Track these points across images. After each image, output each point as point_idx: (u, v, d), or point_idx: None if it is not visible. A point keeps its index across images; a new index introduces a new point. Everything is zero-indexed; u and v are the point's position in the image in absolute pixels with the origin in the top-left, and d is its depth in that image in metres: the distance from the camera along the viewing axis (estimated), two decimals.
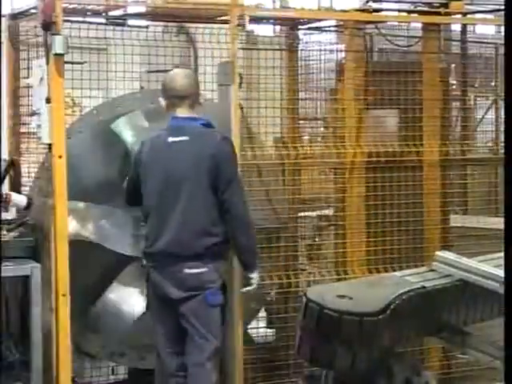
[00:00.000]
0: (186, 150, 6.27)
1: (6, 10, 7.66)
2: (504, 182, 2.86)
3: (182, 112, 6.41)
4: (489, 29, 12.58)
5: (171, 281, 6.18)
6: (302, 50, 8.17)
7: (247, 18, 7.21)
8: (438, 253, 3.13)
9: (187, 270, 6.15)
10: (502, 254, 3.13)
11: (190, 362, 6.28)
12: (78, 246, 6.58)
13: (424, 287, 2.96)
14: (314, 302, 2.84)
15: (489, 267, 3.10)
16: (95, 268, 6.94)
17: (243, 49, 8.37)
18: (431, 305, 3.01)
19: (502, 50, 9.97)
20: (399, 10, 8.00)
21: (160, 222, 6.24)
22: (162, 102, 6.51)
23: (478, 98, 12.67)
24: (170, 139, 6.31)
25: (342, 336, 2.80)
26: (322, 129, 8.69)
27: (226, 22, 8.00)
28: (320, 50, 8.23)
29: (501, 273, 3.05)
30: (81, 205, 6.79)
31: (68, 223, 6.41)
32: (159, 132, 6.46)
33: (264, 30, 9.78)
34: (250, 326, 8.09)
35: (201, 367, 6.23)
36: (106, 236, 6.88)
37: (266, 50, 8.20)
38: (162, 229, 6.22)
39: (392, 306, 2.81)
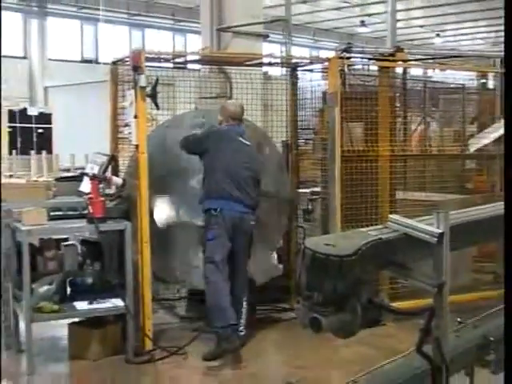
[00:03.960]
0: (246, 149, 6.66)
1: (110, 59, 7.72)
2: (504, 183, 2.79)
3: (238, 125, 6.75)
4: (419, 71, 12.46)
5: (240, 221, 6.43)
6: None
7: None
8: (390, 216, 3.12)
9: (248, 218, 6.50)
10: (432, 216, 3.14)
11: (240, 281, 6.52)
12: None
13: (381, 238, 2.94)
14: (309, 248, 2.83)
15: (423, 225, 3.08)
16: None
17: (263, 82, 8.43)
18: (385, 250, 3.00)
19: (428, 84, 9.91)
20: (362, 58, 8.02)
21: (230, 185, 6.40)
22: (220, 118, 6.72)
23: (413, 116, 12.74)
24: (240, 138, 6.64)
25: (328, 271, 2.79)
26: (312, 135, 8.66)
27: (251, 65, 8.06)
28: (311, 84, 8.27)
29: (431, 228, 3.04)
30: None
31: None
32: (226, 128, 6.68)
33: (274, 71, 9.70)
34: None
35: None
36: None
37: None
38: (232, 189, 6.40)
39: (360, 251, 2.79)
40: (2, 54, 24.98)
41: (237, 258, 6.50)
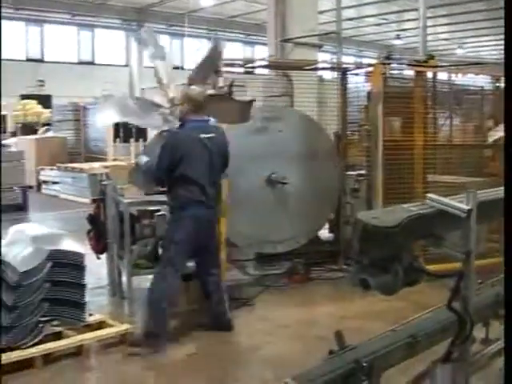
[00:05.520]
0: (214, 143, 5.36)
1: (193, 66, 7.60)
2: (504, 181, 2.65)
3: (201, 115, 5.40)
4: (445, 75, 12.21)
5: (209, 215, 5.45)
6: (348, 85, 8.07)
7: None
8: (428, 195, 3.03)
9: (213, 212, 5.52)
10: (461, 195, 3.04)
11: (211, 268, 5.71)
12: None
13: (420, 213, 2.86)
14: (361, 220, 2.76)
15: (453, 202, 2.99)
16: None
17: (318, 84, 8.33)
18: (423, 223, 2.91)
19: (453, 86, 9.62)
20: (400, 63, 7.89)
21: (204, 183, 5.31)
22: (186, 107, 5.41)
23: (441, 113, 12.36)
24: (202, 135, 5.29)
25: (376, 239, 2.72)
26: (358, 127, 8.51)
27: (308, 70, 7.97)
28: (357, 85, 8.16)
29: (460, 205, 2.95)
30: None
31: None
32: (187, 130, 5.39)
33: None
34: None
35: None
36: None
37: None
38: (206, 186, 5.33)
39: (403, 223, 2.71)
40: (110, 63, 25.77)
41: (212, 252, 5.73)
